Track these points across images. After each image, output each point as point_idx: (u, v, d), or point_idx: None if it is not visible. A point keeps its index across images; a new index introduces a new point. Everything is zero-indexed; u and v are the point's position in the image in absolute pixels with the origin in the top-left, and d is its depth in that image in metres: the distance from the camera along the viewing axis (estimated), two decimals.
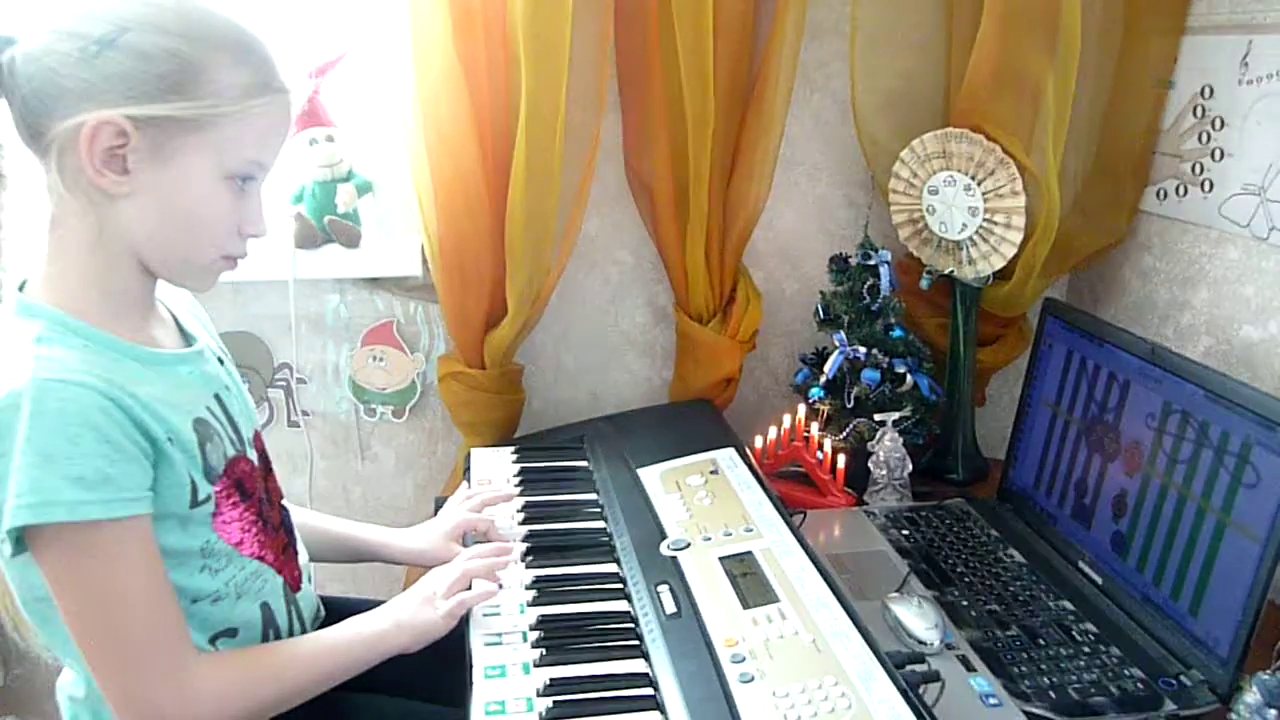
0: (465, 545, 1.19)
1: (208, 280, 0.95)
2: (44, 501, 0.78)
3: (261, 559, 0.98)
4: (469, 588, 1.04)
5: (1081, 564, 1.26)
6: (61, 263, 0.88)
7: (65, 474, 0.78)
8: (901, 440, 1.46)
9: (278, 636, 0.99)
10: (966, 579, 1.25)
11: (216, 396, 0.96)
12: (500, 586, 1.07)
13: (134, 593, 0.83)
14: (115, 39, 0.82)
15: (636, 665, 0.97)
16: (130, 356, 0.88)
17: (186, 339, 0.99)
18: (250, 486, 0.97)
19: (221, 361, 1.02)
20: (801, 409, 1.52)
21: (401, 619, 0.98)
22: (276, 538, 1.02)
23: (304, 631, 1.05)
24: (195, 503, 0.89)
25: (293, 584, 1.03)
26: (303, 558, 1.08)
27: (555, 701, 0.91)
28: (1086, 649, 1.12)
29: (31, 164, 0.87)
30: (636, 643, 1.00)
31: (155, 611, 0.85)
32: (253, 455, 1.00)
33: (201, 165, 0.86)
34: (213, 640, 0.93)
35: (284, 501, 1.08)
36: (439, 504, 1.30)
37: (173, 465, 0.86)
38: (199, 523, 0.91)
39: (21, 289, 0.89)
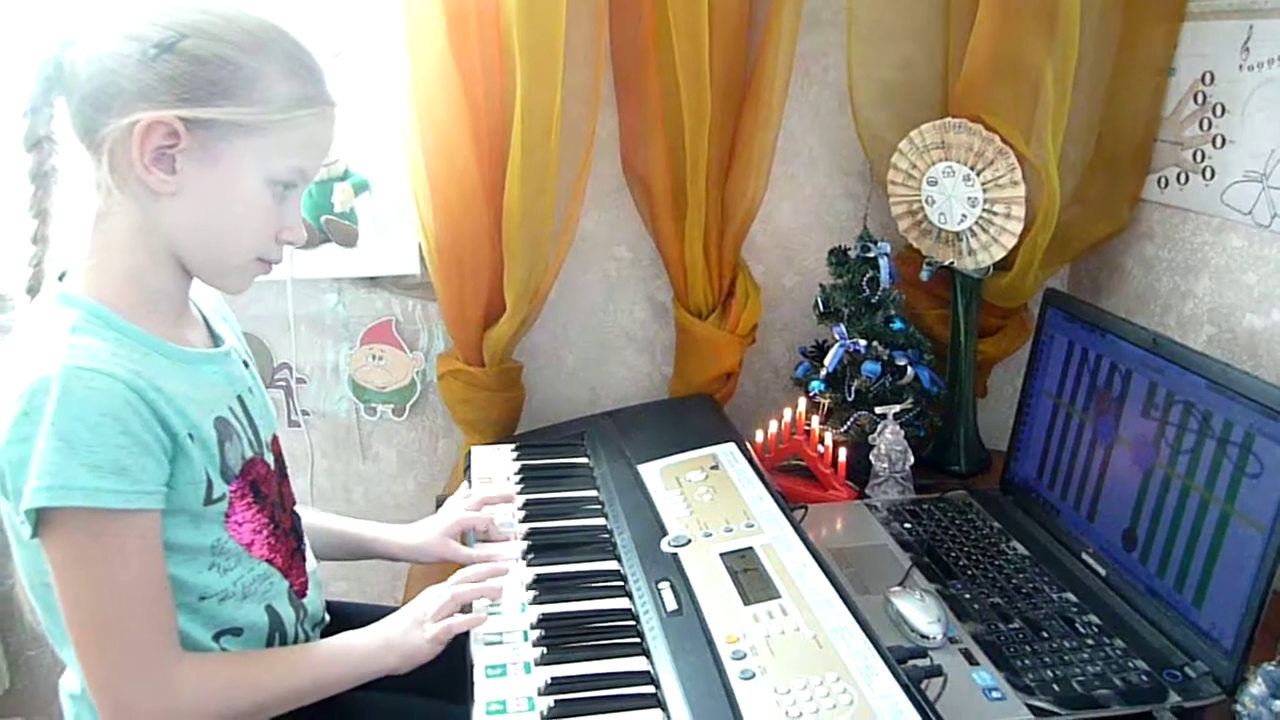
0: (465, 544, 1.19)
1: (243, 282, 0.97)
2: (62, 485, 0.80)
3: (270, 562, 0.99)
4: (468, 608, 1.03)
5: (1085, 556, 1.25)
6: (103, 256, 0.90)
7: (83, 460, 0.80)
8: (903, 433, 1.46)
9: (283, 640, 1.00)
10: (969, 572, 1.25)
11: (239, 398, 0.98)
12: (499, 608, 1.05)
13: (128, 585, 0.84)
14: (173, 44, 0.85)
15: (638, 663, 0.97)
16: (160, 352, 0.90)
17: (215, 340, 1.01)
18: (265, 489, 0.99)
19: (246, 365, 1.03)
20: (802, 403, 1.52)
21: (392, 639, 0.99)
22: (287, 543, 1.02)
23: (309, 638, 1.06)
24: (209, 500, 0.91)
25: (299, 589, 1.04)
26: (310, 564, 1.09)
27: (557, 700, 0.91)
28: (1090, 641, 1.11)
29: (80, 160, 0.89)
30: (638, 640, 1.00)
31: (145, 607, 0.86)
32: (269, 458, 1.01)
33: (247, 169, 0.89)
34: (217, 637, 0.94)
35: (296, 507, 1.08)
36: (440, 503, 1.30)
37: (190, 461, 0.88)
38: (211, 520, 0.92)
39: (61, 279, 0.91)
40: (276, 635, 0.99)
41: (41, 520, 0.82)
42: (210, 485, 0.90)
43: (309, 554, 1.09)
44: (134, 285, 0.90)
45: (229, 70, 0.86)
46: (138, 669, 0.86)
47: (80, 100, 0.86)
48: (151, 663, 0.86)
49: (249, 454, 0.97)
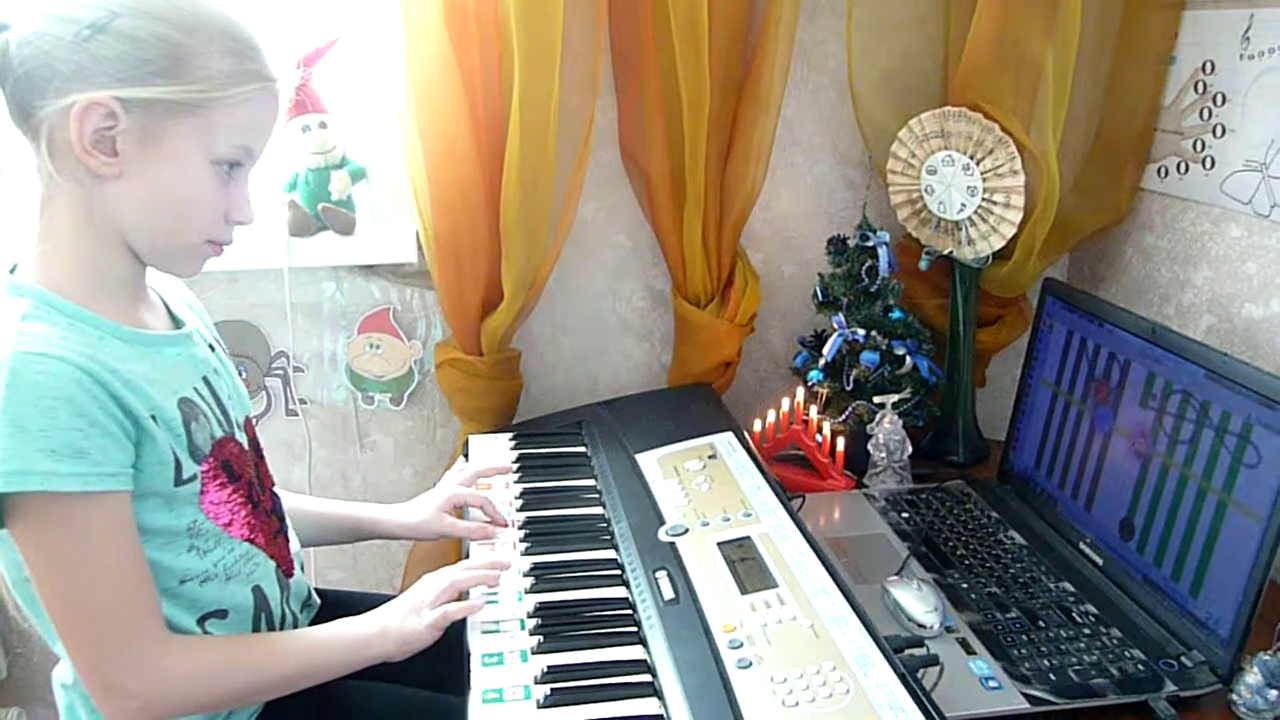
0: (462, 519, 1.20)
1: (193, 265, 0.95)
2: (16, 471, 0.79)
3: (252, 541, 0.98)
4: (464, 596, 1.03)
5: (1082, 545, 1.25)
6: (51, 243, 0.89)
7: (39, 445, 0.79)
8: (901, 422, 1.46)
9: (270, 620, 1.00)
10: (966, 561, 1.25)
11: (205, 379, 0.97)
12: (496, 596, 1.06)
13: (103, 568, 0.84)
14: (106, 24, 0.83)
15: (634, 652, 0.97)
16: (115, 336, 0.89)
17: (176, 323, 1.00)
18: (239, 469, 0.98)
19: (213, 348, 1.02)
20: (800, 392, 1.52)
21: (389, 626, 0.98)
22: (268, 523, 1.02)
23: (296, 617, 1.06)
24: (180, 481, 0.90)
25: (286, 569, 1.04)
26: (294, 545, 1.09)
27: (553, 688, 0.91)
28: (1087, 630, 1.11)
29: (24, 148, 0.88)
30: (634, 629, 1.00)
31: (125, 588, 0.85)
32: (242, 439, 1.01)
33: (189, 149, 0.88)
34: (201, 621, 0.94)
35: (275, 489, 1.08)
36: None
37: (155, 442, 0.87)
38: (185, 502, 0.91)
39: (13, 272, 0.90)
40: (262, 616, 0.99)
41: (6, 510, 0.82)
42: (179, 466, 0.90)
43: (292, 536, 1.09)
44: (84, 270, 0.89)
45: (165, 48, 0.84)
46: (123, 652, 0.85)
47: (15, 84, 0.84)
48: (137, 645, 0.86)
49: (219, 434, 0.96)
